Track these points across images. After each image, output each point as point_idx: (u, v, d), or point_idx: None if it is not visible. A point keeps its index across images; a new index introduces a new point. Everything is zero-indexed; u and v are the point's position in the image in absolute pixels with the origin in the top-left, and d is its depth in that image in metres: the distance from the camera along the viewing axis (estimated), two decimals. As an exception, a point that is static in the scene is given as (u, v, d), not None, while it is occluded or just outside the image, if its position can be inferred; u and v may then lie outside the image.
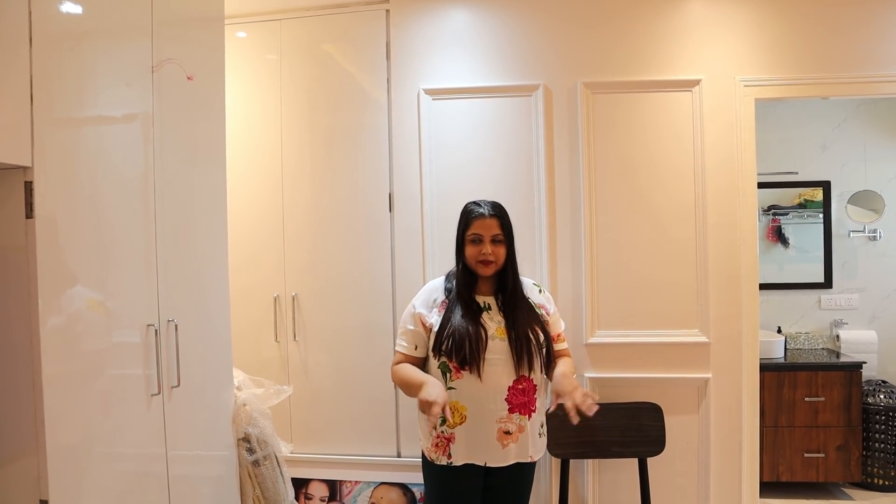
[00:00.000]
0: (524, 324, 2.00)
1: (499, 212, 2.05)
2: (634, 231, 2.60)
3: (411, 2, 2.68)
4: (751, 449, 2.58)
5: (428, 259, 2.65)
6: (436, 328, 1.99)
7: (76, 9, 1.60)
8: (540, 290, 2.16)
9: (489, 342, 1.96)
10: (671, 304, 2.58)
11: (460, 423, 1.96)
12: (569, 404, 1.83)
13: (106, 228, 1.67)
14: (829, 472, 3.34)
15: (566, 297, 2.62)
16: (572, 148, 2.61)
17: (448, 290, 2.07)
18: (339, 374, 2.74)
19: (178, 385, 1.88)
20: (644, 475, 2.48)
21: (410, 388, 1.95)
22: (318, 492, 2.78)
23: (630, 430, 2.50)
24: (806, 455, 3.33)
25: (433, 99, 2.66)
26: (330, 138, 2.75)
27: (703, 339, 2.56)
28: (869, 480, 3.39)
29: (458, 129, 2.66)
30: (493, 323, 2.00)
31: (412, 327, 2.05)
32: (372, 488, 2.73)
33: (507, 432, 1.97)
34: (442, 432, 1.99)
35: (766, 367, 3.29)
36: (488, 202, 2.06)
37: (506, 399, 1.95)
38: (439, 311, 2.03)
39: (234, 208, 2.41)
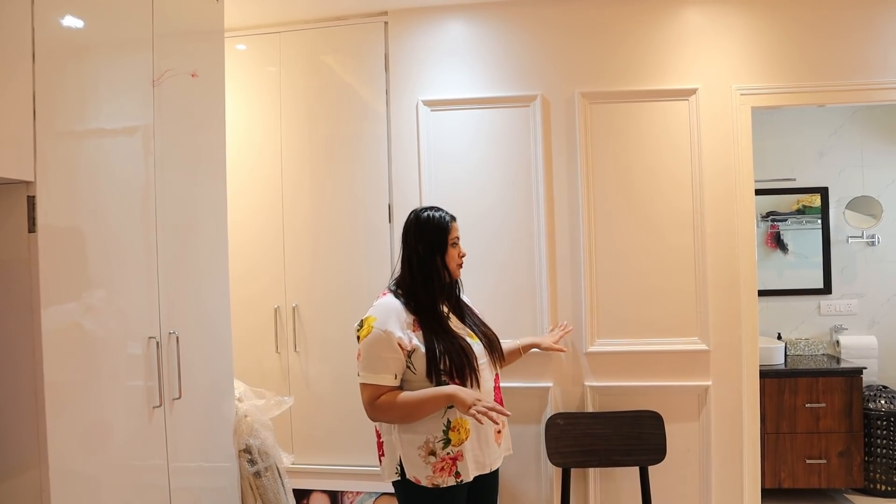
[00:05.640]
0: (481, 323, 2.09)
1: None
2: (633, 239, 2.60)
3: (409, 14, 2.71)
4: (752, 456, 2.58)
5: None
6: (422, 349, 1.87)
7: (78, 23, 1.61)
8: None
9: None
10: (670, 312, 2.59)
11: (466, 439, 1.89)
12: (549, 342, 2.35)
13: (108, 242, 1.68)
14: (831, 478, 3.33)
15: (566, 306, 2.62)
16: (570, 157, 2.63)
17: (410, 307, 1.95)
18: (340, 384, 2.73)
19: (180, 397, 1.89)
20: (645, 483, 2.48)
21: (429, 406, 1.84)
22: (320, 503, 2.78)
23: (631, 438, 2.50)
24: (808, 461, 3.33)
25: (432, 110, 2.67)
26: (329, 149, 2.77)
27: (703, 346, 2.57)
28: (872, 486, 3.38)
29: (457, 140, 2.67)
30: (461, 329, 2.00)
31: (392, 354, 1.85)
32: (373, 499, 2.73)
33: (499, 431, 2.01)
34: (448, 454, 1.88)
35: (767, 374, 3.30)
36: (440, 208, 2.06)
37: (495, 399, 1.99)
38: (414, 331, 1.90)
39: (235, 219, 2.42)
